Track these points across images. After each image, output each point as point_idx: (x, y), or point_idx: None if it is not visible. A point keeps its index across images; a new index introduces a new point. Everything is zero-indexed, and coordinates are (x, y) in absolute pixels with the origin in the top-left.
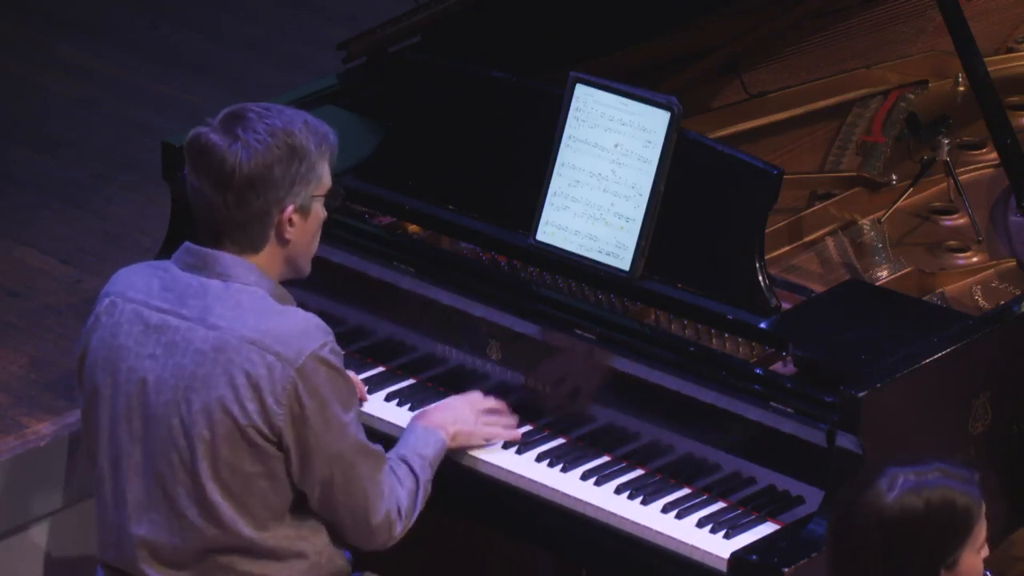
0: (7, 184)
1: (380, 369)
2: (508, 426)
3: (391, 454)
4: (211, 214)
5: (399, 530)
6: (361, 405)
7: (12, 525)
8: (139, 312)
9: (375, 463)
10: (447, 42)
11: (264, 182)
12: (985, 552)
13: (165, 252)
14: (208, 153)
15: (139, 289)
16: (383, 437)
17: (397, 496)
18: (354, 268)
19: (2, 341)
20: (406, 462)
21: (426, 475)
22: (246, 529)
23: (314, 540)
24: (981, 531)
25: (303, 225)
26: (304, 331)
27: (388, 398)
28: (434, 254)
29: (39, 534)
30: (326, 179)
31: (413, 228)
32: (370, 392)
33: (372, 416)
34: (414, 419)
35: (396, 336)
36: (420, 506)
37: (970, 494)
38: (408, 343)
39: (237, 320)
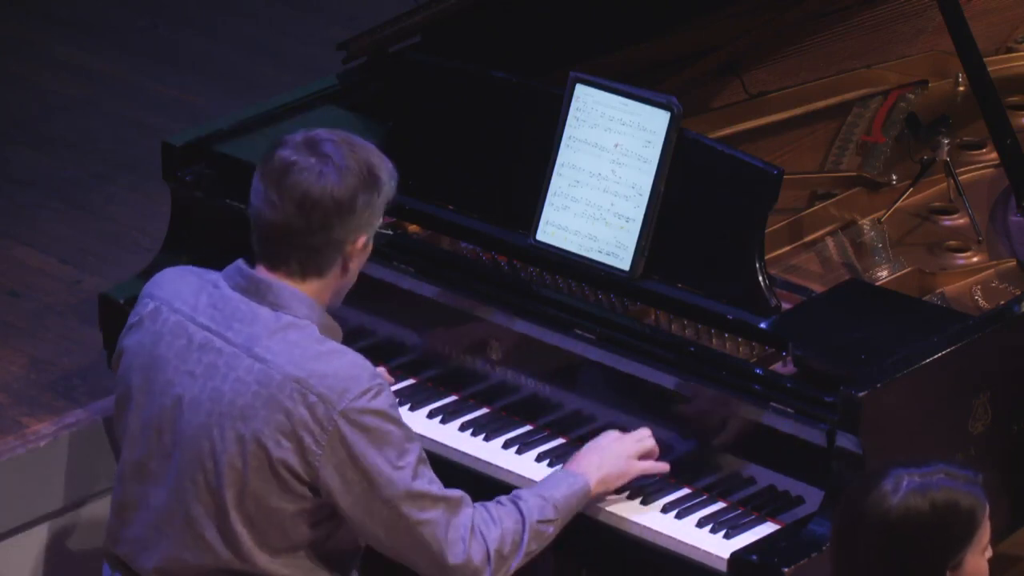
0: (7, 184)
1: (379, 369)
2: (657, 467)
3: (512, 494)
4: (283, 235)
5: (490, 573)
6: None
7: (12, 525)
8: (184, 326)
9: (448, 507)
10: (447, 42)
11: (349, 209)
12: (989, 553)
13: (165, 252)
14: (295, 174)
15: (186, 301)
16: None
17: (486, 537)
18: None
19: (2, 341)
20: (514, 502)
21: (542, 515)
22: (262, 558)
23: (331, 573)
24: (985, 532)
25: (360, 257)
26: (350, 374)
27: None
28: (434, 254)
29: (39, 534)
30: (382, 212)
31: (413, 228)
32: None
33: None
34: (563, 465)
35: (396, 336)
36: (527, 546)
37: (974, 495)
38: (408, 343)
39: (283, 355)
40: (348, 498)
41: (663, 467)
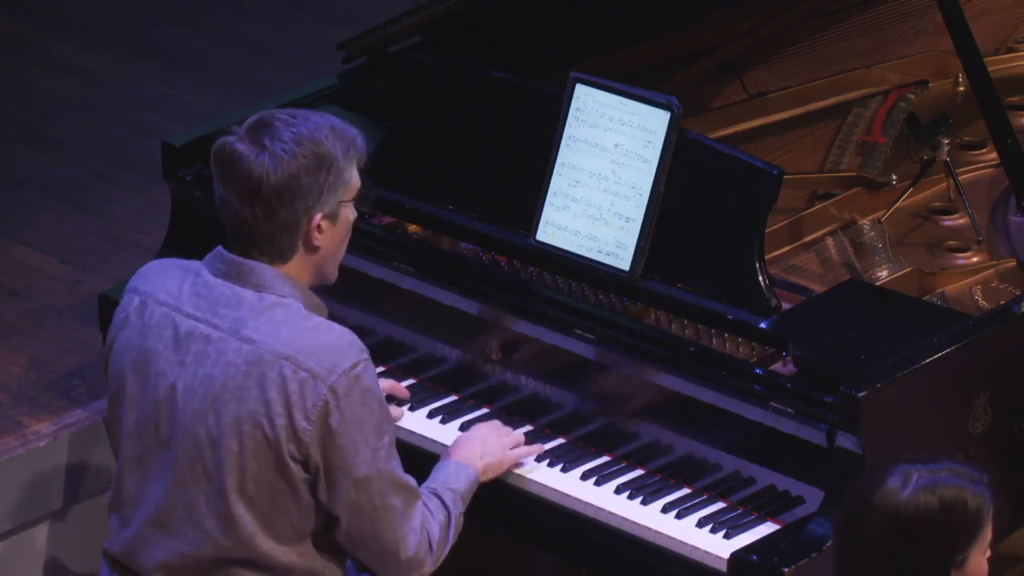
0: (7, 184)
1: (380, 369)
2: (529, 451)
3: (422, 487)
4: (239, 225)
5: (430, 565)
6: (402, 408)
7: (12, 525)
8: (170, 316)
9: (407, 496)
10: (447, 42)
11: (291, 192)
12: (988, 553)
13: (165, 252)
14: (235, 163)
15: (170, 292)
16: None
17: (429, 531)
18: (354, 268)
19: (2, 341)
20: (437, 495)
21: (457, 509)
22: (263, 543)
23: (328, 561)
24: (989, 531)
25: (332, 231)
26: (338, 348)
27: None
28: (434, 254)
29: (39, 534)
30: (355, 183)
31: (413, 228)
32: None
33: None
34: (445, 454)
35: (396, 336)
36: (452, 540)
37: (981, 494)
38: (408, 343)
39: (271, 335)
40: (325, 472)
41: (534, 450)
